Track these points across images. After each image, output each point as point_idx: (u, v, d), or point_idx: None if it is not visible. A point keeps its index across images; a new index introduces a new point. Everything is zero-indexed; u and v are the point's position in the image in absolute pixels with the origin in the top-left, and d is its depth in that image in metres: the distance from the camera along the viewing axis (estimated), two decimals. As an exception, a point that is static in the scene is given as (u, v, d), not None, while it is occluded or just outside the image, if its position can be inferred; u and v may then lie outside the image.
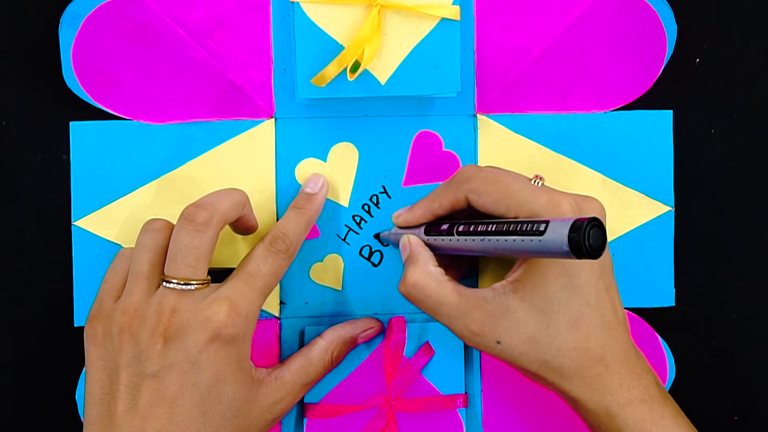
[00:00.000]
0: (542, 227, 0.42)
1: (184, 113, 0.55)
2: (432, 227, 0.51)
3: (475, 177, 0.50)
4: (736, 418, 0.58)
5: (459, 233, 0.48)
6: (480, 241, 0.46)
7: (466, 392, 0.56)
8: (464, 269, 0.56)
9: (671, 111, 0.57)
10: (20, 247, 0.55)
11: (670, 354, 0.57)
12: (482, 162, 0.56)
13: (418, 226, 0.53)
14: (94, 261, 0.54)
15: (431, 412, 0.55)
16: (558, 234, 0.40)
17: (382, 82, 0.53)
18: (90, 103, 0.54)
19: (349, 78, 0.52)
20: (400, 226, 0.54)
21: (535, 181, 0.49)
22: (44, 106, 0.54)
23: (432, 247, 0.51)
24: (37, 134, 0.54)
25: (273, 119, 0.55)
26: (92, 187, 0.55)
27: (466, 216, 0.50)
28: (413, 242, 0.51)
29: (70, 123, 0.54)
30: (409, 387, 0.55)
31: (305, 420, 0.54)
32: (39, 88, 0.54)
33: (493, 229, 0.45)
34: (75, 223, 0.54)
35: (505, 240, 0.44)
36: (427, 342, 0.55)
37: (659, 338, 0.57)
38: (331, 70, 0.52)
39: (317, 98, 0.54)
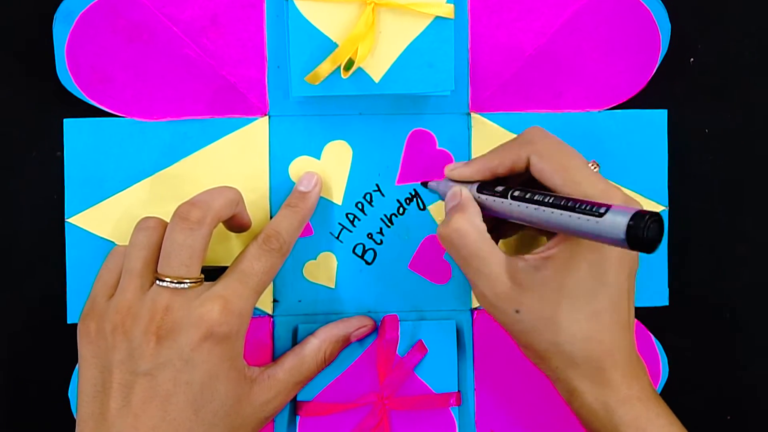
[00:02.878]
0: (602, 210, 0.42)
1: (177, 111, 0.55)
2: (485, 186, 0.51)
3: (540, 140, 0.50)
4: (729, 417, 0.58)
5: (513, 197, 0.48)
6: (534, 210, 0.46)
7: (459, 390, 0.56)
8: (500, 239, 0.56)
9: (665, 110, 0.57)
10: (13, 244, 0.55)
11: (663, 353, 0.57)
12: (476, 161, 0.56)
13: (470, 183, 0.52)
14: (87, 258, 0.54)
15: (424, 410, 0.55)
16: (618, 220, 0.41)
17: (376, 80, 0.53)
18: (84, 100, 0.54)
19: (343, 76, 0.52)
20: (453, 179, 0.53)
21: (592, 166, 0.49)
22: (38, 103, 0.54)
23: (482, 207, 0.50)
24: (31, 131, 0.54)
25: (267, 117, 0.55)
26: (86, 184, 0.54)
27: (519, 184, 0.50)
28: (465, 193, 0.51)
29: (64, 120, 0.54)
30: (401, 385, 0.55)
31: (298, 418, 0.54)
32: (33, 84, 0.54)
33: (551, 201, 0.45)
34: (68, 220, 0.54)
35: (561, 214, 0.44)
36: (420, 340, 0.55)
37: (653, 338, 0.57)
38: (325, 67, 0.52)
39: (311, 96, 0.54)
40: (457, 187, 0.51)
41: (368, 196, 0.56)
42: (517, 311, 0.47)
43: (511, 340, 0.51)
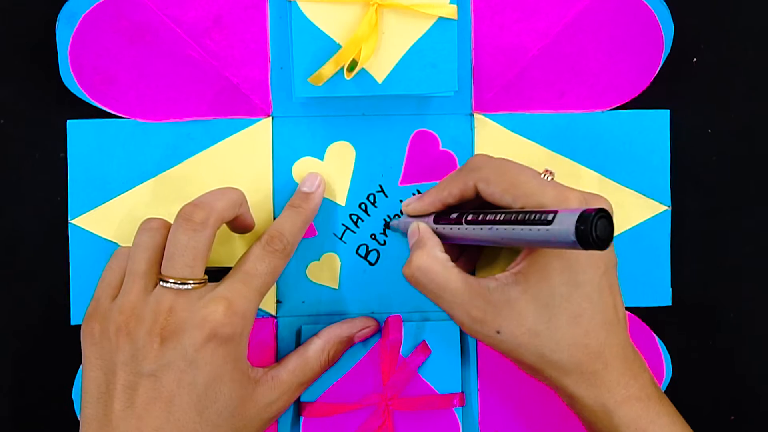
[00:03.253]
0: (550, 217, 0.42)
1: (181, 112, 0.55)
2: (441, 216, 0.51)
3: (485, 166, 0.50)
4: (733, 417, 0.58)
5: (468, 222, 0.48)
6: (488, 230, 0.46)
7: (462, 391, 0.56)
8: (473, 263, 0.56)
9: (668, 110, 0.57)
10: (17, 246, 0.55)
11: (667, 353, 0.57)
12: (479, 161, 0.56)
13: (427, 215, 0.52)
14: (91, 259, 0.54)
15: (428, 411, 0.55)
16: (566, 224, 0.41)
17: (379, 81, 0.53)
18: (87, 101, 0.54)
19: (346, 77, 0.53)
20: (409, 214, 0.54)
21: (545, 176, 0.49)
22: (41, 105, 0.54)
23: (441, 236, 0.51)
24: (34, 132, 0.54)
25: (270, 118, 0.55)
26: (89, 185, 0.54)
27: (475, 207, 0.50)
28: (422, 228, 0.51)
29: (68, 121, 0.54)
30: (405, 386, 0.55)
31: (301, 419, 0.54)
32: (36, 86, 0.54)
33: (502, 218, 0.45)
34: (72, 221, 0.54)
35: (513, 229, 0.44)
36: (424, 341, 0.55)
37: (656, 337, 0.57)
38: (328, 69, 0.52)
39: (314, 97, 0.54)
40: (414, 224, 0.52)
41: (371, 197, 0.56)
42: (498, 332, 0.47)
43: None
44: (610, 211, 0.47)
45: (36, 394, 0.55)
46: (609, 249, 0.45)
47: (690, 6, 0.57)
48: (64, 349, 0.54)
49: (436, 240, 0.50)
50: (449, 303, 0.48)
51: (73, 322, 0.55)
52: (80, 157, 0.54)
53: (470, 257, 0.55)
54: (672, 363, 0.57)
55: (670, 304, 0.57)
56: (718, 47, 0.58)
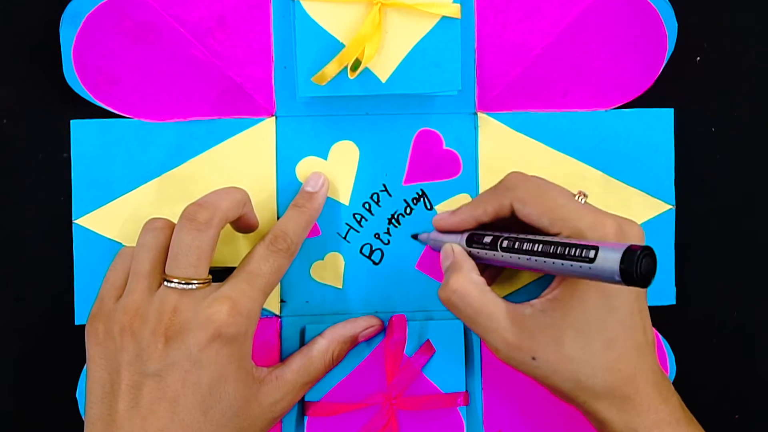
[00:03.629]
0: (592, 254, 0.42)
1: (184, 111, 0.55)
2: (475, 237, 0.51)
3: (521, 186, 0.50)
4: (737, 416, 0.58)
5: (503, 249, 0.48)
6: (526, 260, 0.46)
7: (466, 390, 0.56)
8: (496, 276, 0.56)
9: (672, 109, 0.57)
10: (21, 246, 0.55)
11: (671, 352, 0.57)
12: (483, 161, 0.56)
13: (459, 232, 0.52)
14: (95, 259, 0.54)
15: (432, 410, 0.55)
16: (609, 262, 0.41)
17: (383, 80, 0.53)
18: (91, 101, 0.54)
19: (349, 76, 0.53)
20: (441, 230, 0.54)
21: (578, 198, 0.49)
22: (45, 104, 0.54)
23: (473, 257, 0.51)
24: (38, 132, 0.54)
25: (274, 117, 0.55)
26: (93, 185, 0.54)
27: (509, 224, 0.50)
28: (457, 251, 0.51)
29: (71, 121, 0.54)
30: (409, 385, 0.55)
31: (306, 418, 0.54)
32: (40, 86, 0.54)
33: (540, 249, 0.45)
34: (76, 221, 0.54)
35: (553, 262, 0.44)
36: (428, 340, 0.55)
37: (660, 337, 0.57)
38: (332, 68, 0.52)
39: (318, 96, 0.54)
40: (448, 245, 0.52)
41: (375, 196, 0.56)
42: (533, 358, 0.47)
43: None
44: (642, 239, 0.48)
45: (40, 393, 0.55)
46: None
47: (693, 4, 0.57)
48: (69, 348, 0.54)
49: (472, 263, 0.50)
50: (484, 328, 0.48)
51: (77, 322, 0.55)
52: (84, 157, 0.54)
53: (494, 271, 0.56)
54: (676, 361, 0.57)
55: (675, 302, 0.57)
56: (722, 46, 0.57)
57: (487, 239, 0.50)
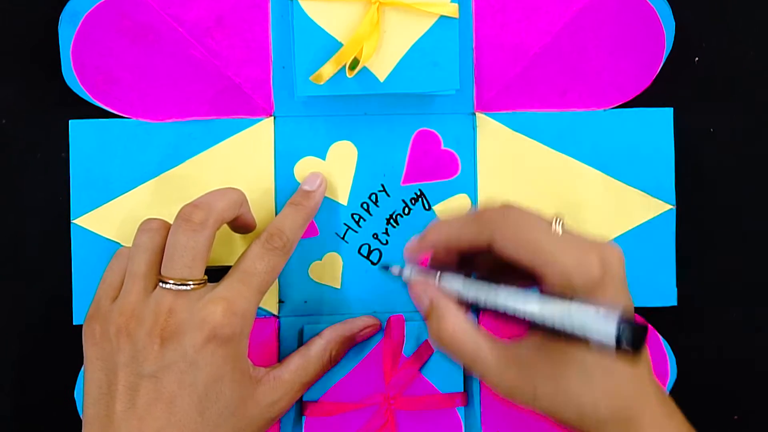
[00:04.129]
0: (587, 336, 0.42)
1: (183, 111, 0.55)
2: (449, 279, 0.49)
3: (499, 222, 0.47)
4: (736, 417, 0.58)
5: (484, 310, 0.47)
6: (511, 316, 0.46)
7: (465, 391, 0.55)
8: None
9: (671, 108, 0.57)
10: (19, 246, 0.55)
11: (672, 354, 0.57)
12: (482, 161, 0.56)
13: (433, 268, 0.50)
14: (93, 259, 0.55)
15: (430, 410, 0.55)
16: (605, 345, 0.41)
17: (381, 80, 0.53)
18: (89, 101, 0.54)
19: (348, 75, 0.53)
20: (413, 260, 0.52)
21: (557, 224, 0.47)
22: (43, 104, 0.55)
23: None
24: (36, 132, 0.55)
25: (272, 117, 0.55)
26: (91, 185, 0.55)
27: (481, 254, 0.49)
28: (432, 295, 0.49)
29: (70, 121, 0.54)
30: (408, 385, 0.55)
31: (304, 418, 0.54)
32: (38, 85, 0.55)
33: (527, 320, 0.45)
34: (74, 221, 0.54)
35: (544, 328, 0.44)
36: (426, 341, 0.55)
37: (660, 338, 0.57)
38: (330, 67, 0.52)
39: (316, 96, 0.54)
40: (420, 289, 0.49)
41: (373, 196, 0.56)
42: (534, 395, 0.47)
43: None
44: (622, 260, 0.47)
45: (38, 393, 0.55)
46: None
47: (691, 3, 0.57)
48: (67, 348, 0.54)
49: (451, 305, 0.48)
50: (481, 371, 0.48)
51: (75, 322, 0.55)
52: (82, 157, 0.55)
53: None
54: (677, 363, 0.57)
55: (676, 304, 0.57)
56: (720, 45, 0.57)
57: (465, 297, 0.48)
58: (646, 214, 0.57)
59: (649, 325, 0.46)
